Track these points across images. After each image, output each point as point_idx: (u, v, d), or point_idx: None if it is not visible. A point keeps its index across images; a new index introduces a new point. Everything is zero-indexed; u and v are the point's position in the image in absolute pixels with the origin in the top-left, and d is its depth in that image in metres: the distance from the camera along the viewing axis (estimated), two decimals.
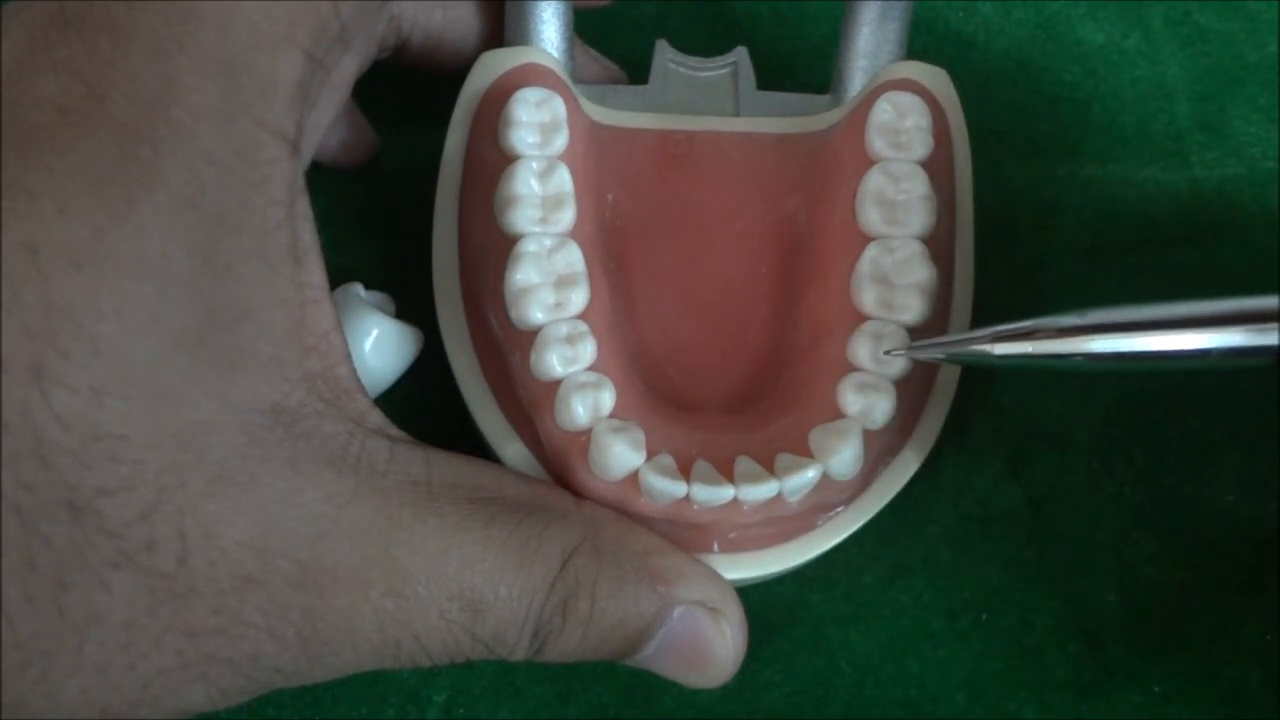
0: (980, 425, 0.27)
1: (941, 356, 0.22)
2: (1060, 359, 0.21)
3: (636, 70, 0.28)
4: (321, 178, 0.28)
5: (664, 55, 0.28)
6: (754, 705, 0.25)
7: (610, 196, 0.25)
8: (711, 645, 0.22)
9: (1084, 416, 0.27)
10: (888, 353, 0.23)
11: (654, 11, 0.31)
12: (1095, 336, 0.20)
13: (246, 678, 0.19)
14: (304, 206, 0.20)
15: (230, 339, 0.18)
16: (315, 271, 0.20)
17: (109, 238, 0.17)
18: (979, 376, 0.26)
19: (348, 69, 0.25)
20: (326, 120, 0.25)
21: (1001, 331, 0.21)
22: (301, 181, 0.20)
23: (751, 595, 0.23)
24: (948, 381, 0.25)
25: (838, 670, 0.25)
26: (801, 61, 0.31)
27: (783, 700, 0.25)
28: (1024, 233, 0.29)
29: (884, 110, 0.25)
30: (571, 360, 0.22)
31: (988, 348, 0.21)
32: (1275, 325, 0.20)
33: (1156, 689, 0.25)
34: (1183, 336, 0.20)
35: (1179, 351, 0.20)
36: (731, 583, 0.23)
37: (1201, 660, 0.25)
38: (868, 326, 0.23)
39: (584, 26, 0.29)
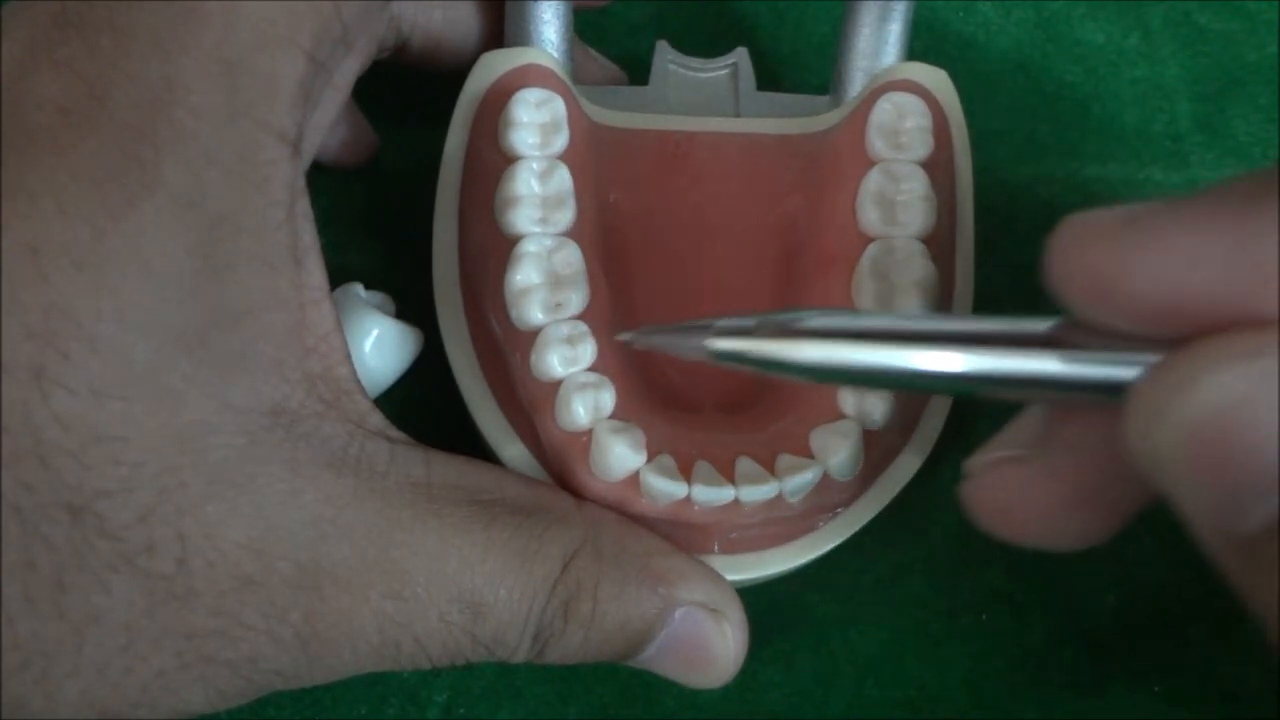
0: (981, 425, 0.27)
1: (655, 345, 0.20)
2: (778, 366, 0.17)
3: (636, 70, 0.29)
4: (321, 178, 0.28)
5: (664, 56, 0.28)
6: (754, 705, 0.25)
7: (611, 197, 0.25)
8: (713, 646, 0.22)
9: None
10: (617, 339, 0.21)
11: (654, 11, 0.31)
12: (812, 342, 0.17)
13: (245, 679, 0.19)
14: (304, 207, 0.20)
15: (230, 340, 0.18)
16: (315, 272, 0.20)
17: (109, 238, 0.17)
18: None
19: (349, 70, 0.25)
20: (327, 121, 0.25)
21: (726, 326, 0.18)
22: (302, 182, 0.20)
23: (752, 596, 0.23)
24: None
25: (838, 670, 0.25)
26: (801, 62, 0.31)
27: (783, 700, 0.25)
28: (1024, 233, 0.29)
29: (884, 111, 0.25)
30: (572, 361, 0.22)
31: (709, 343, 0.18)
32: (1042, 351, 0.16)
33: (1156, 689, 0.25)
34: (922, 354, 0.17)
35: (919, 372, 0.17)
36: (732, 584, 0.23)
37: (1201, 660, 0.25)
38: None
39: (584, 26, 0.29)
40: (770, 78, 0.27)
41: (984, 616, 0.25)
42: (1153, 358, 0.15)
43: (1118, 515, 0.17)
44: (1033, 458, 0.17)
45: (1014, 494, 0.17)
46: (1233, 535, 0.14)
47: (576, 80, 0.26)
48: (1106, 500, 0.17)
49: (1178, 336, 0.15)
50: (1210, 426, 0.14)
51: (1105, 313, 0.15)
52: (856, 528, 0.24)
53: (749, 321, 0.18)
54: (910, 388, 0.19)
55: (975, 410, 0.27)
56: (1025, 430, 0.18)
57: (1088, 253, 0.15)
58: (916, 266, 0.23)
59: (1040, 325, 0.16)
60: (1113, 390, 0.16)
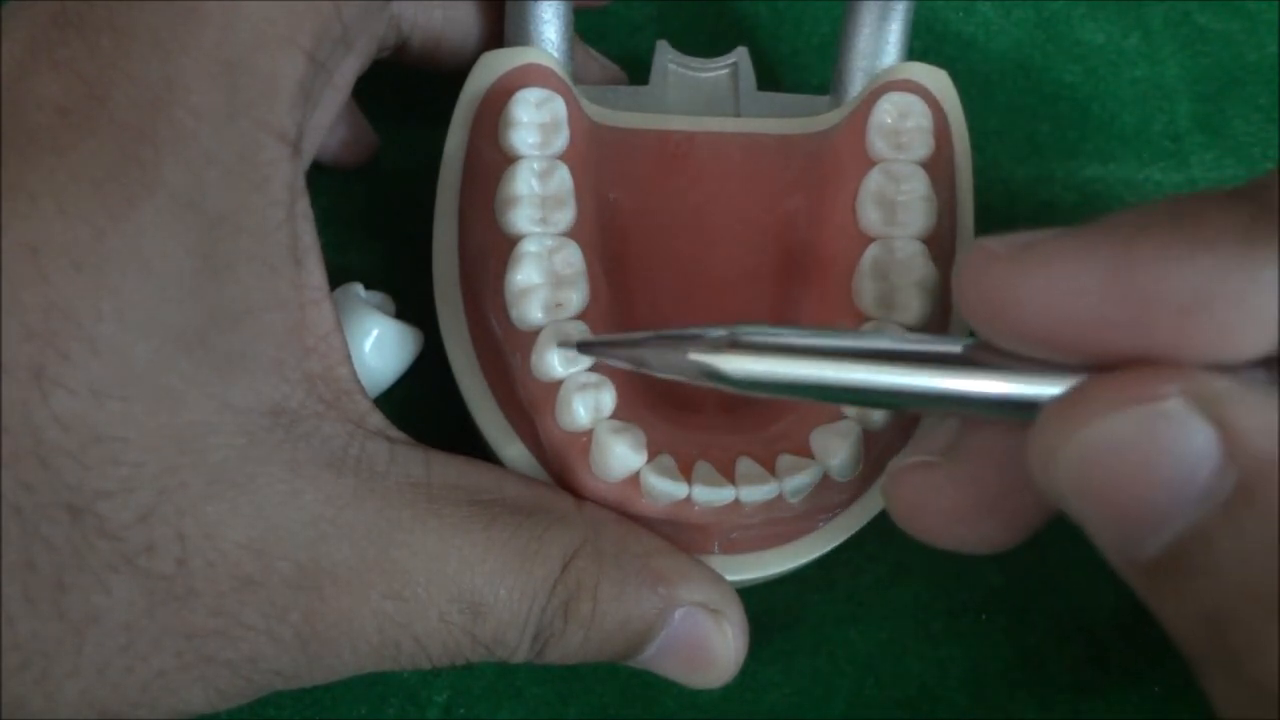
0: None
1: (600, 356, 0.20)
2: (706, 377, 0.18)
3: (636, 70, 0.28)
4: (321, 178, 0.28)
5: (664, 56, 0.28)
6: (754, 705, 0.25)
7: (611, 196, 0.25)
8: (713, 646, 0.22)
9: None
10: (564, 345, 0.21)
11: (654, 11, 0.31)
12: (736, 356, 0.18)
13: (245, 679, 0.19)
14: (304, 207, 0.20)
15: (230, 340, 0.18)
16: (315, 272, 0.20)
17: (109, 239, 0.17)
18: None
19: (349, 70, 0.25)
20: (327, 121, 0.25)
21: (660, 336, 0.19)
22: (302, 182, 0.20)
23: (752, 596, 0.23)
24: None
25: (838, 670, 0.25)
26: (801, 62, 0.31)
27: (783, 700, 0.25)
28: None
29: (885, 111, 0.25)
30: (573, 361, 0.22)
31: (645, 355, 0.19)
32: (953, 370, 0.17)
33: (1156, 689, 0.25)
34: (840, 371, 0.17)
35: (838, 385, 0.17)
36: (732, 584, 0.23)
37: None
38: (868, 327, 0.23)
39: (584, 26, 0.29)
40: (770, 78, 0.27)
41: (984, 616, 0.25)
42: (1056, 382, 0.16)
43: (1022, 524, 0.18)
44: (944, 463, 0.18)
45: (923, 497, 0.18)
46: (1135, 563, 0.15)
47: (577, 80, 0.26)
48: (1009, 509, 0.18)
49: (1079, 363, 0.16)
50: (1099, 469, 0.15)
51: (1000, 337, 0.16)
52: (856, 528, 0.24)
53: (681, 332, 0.19)
54: (827, 400, 0.19)
55: None
56: (942, 437, 0.19)
57: (983, 276, 0.16)
58: (917, 267, 0.23)
59: (955, 346, 0.17)
60: (1016, 409, 0.16)
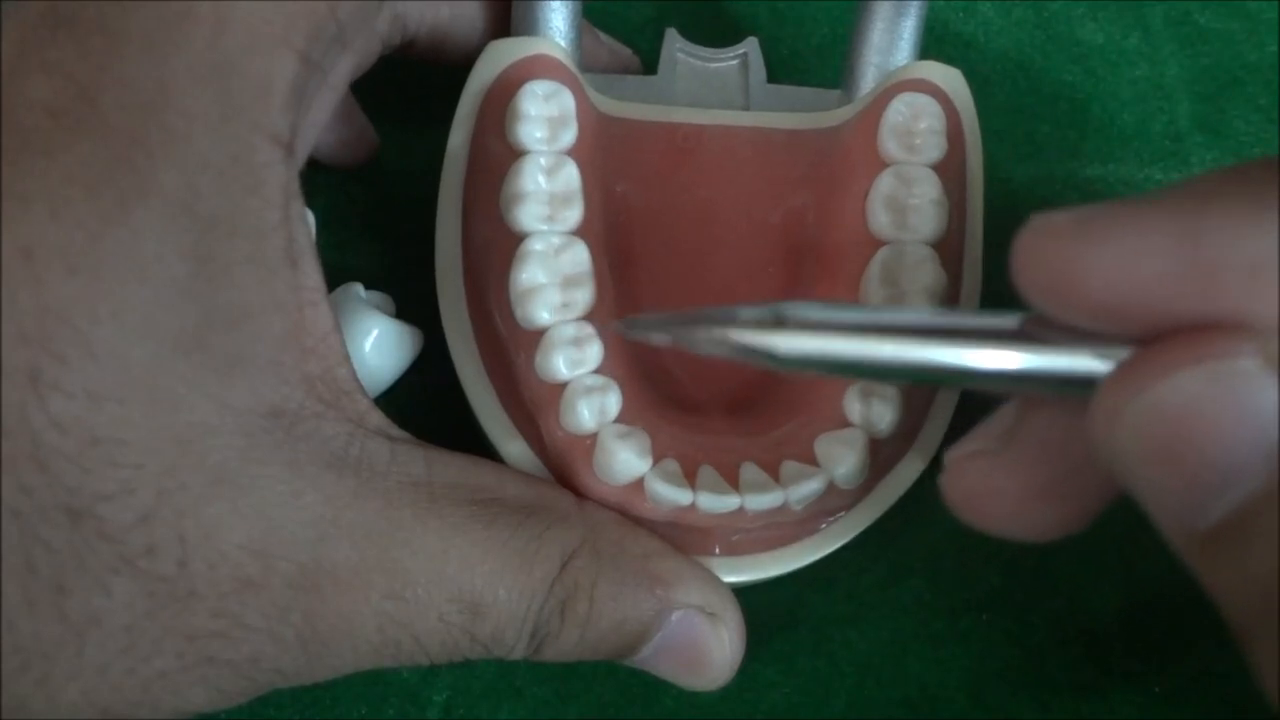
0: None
1: (646, 337, 0.20)
2: (754, 355, 0.18)
3: (643, 67, 0.28)
4: (321, 177, 0.28)
5: (673, 45, 0.27)
6: (754, 705, 0.25)
7: (617, 189, 0.25)
8: (709, 649, 0.22)
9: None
10: (606, 326, 0.21)
11: (654, 11, 0.31)
12: (785, 334, 0.17)
13: (246, 679, 0.19)
14: (299, 209, 0.20)
15: (228, 342, 0.18)
16: (312, 274, 0.20)
17: (103, 242, 0.17)
18: None
19: (345, 69, 0.25)
20: (322, 121, 0.25)
21: (709, 314, 0.18)
22: (296, 184, 0.20)
23: (751, 596, 0.23)
24: (952, 388, 0.25)
25: (838, 670, 0.25)
26: (801, 63, 0.31)
27: (783, 700, 0.25)
28: None
29: (898, 111, 0.24)
30: (578, 363, 0.22)
31: (697, 334, 0.18)
32: (1001, 344, 0.17)
33: (1156, 689, 0.25)
34: (895, 347, 0.17)
35: (893, 363, 0.17)
36: (732, 585, 0.23)
37: (1201, 660, 0.25)
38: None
39: (589, 20, 0.28)
40: (770, 78, 0.27)
41: (984, 616, 0.25)
42: (1115, 355, 0.16)
43: (1084, 508, 0.18)
44: (1002, 450, 0.18)
45: (983, 484, 0.18)
46: (1194, 532, 0.15)
47: (586, 68, 0.26)
48: (1071, 493, 0.18)
49: (1139, 334, 0.15)
50: (1167, 428, 0.14)
51: (1063, 310, 0.16)
52: (858, 531, 0.24)
53: (736, 313, 0.18)
54: (877, 378, 0.19)
55: (976, 410, 0.27)
56: (1000, 424, 0.18)
57: (1045, 251, 0.15)
58: (926, 273, 0.23)
59: (1011, 320, 0.17)
60: (1076, 385, 0.16)
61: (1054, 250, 0.15)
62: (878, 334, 0.17)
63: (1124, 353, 0.16)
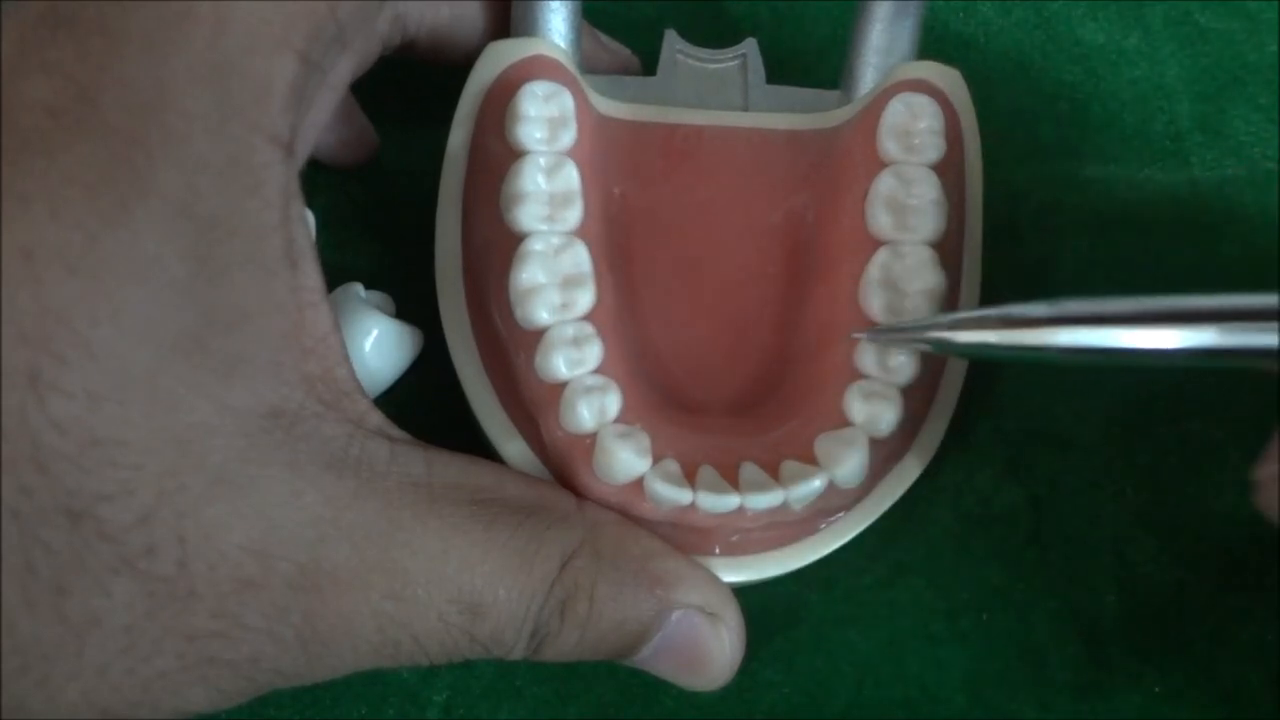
0: (981, 425, 0.27)
1: (904, 343, 0.22)
2: (1027, 350, 0.19)
3: (640, 70, 0.28)
4: (321, 177, 0.28)
5: (672, 46, 0.27)
6: (754, 705, 0.25)
7: (617, 190, 0.25)
8: (708, 649, 0.22)
9: (1085, 416, 0.27)
10: (855, 337, 0.22)
11: (654, 12, 0.31)
12: (1064, 329, 0.19)
13: (246, 679, 0.19)
14: (299, 209, 0.20)
15: (227, 343, 0.18)
16: (311, 274, 0.20)
17: (103, 243, 0.17)
18: (981, 377, 0.26)
19: (345, 69, 0.25)
20: (322, 122, 0.25)
21: (965, 319, 0.20)
22: (296, 185, 0.20)
23: (751, 595, 0.23)
24: (951, 388, 0.25)
25: (838, 670, 0.25)
26: (801, 63, 0.31)
27: (783, 700, 0.25)
28: (1025, 233, 0.29)
29: (897, 111, 0.24)
30: (578, 363, 0.22)
31: (948, 335, 0.20)
32: (1264, 325, 0.18)
33: (1156, 689, 0.25)
34: (1159, 333, 0.19)
35: (1155, 350, 0.19)
36: (731, 585, 0.23)
37: (1201, 660, 0.25)
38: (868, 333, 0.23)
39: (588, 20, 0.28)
40: (769, 79, 0.27)
41: (984, 616, 0.25)
42: None
43: None
44: None
45: None
46: None
47: (585, 68, 0.26)
48: None
49: None
50: None
51: None
52: (857, 531, 0.24)
53: (992, 313, 0.20)
54: (1161, 364, 0.20)
55: (976, 410, 0.27)
56: None
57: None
58: (926, 275, 0.23)
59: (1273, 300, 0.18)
60: None
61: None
62: (1155, 322, 0.19)
63: None
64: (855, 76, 0.26)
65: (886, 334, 0.22)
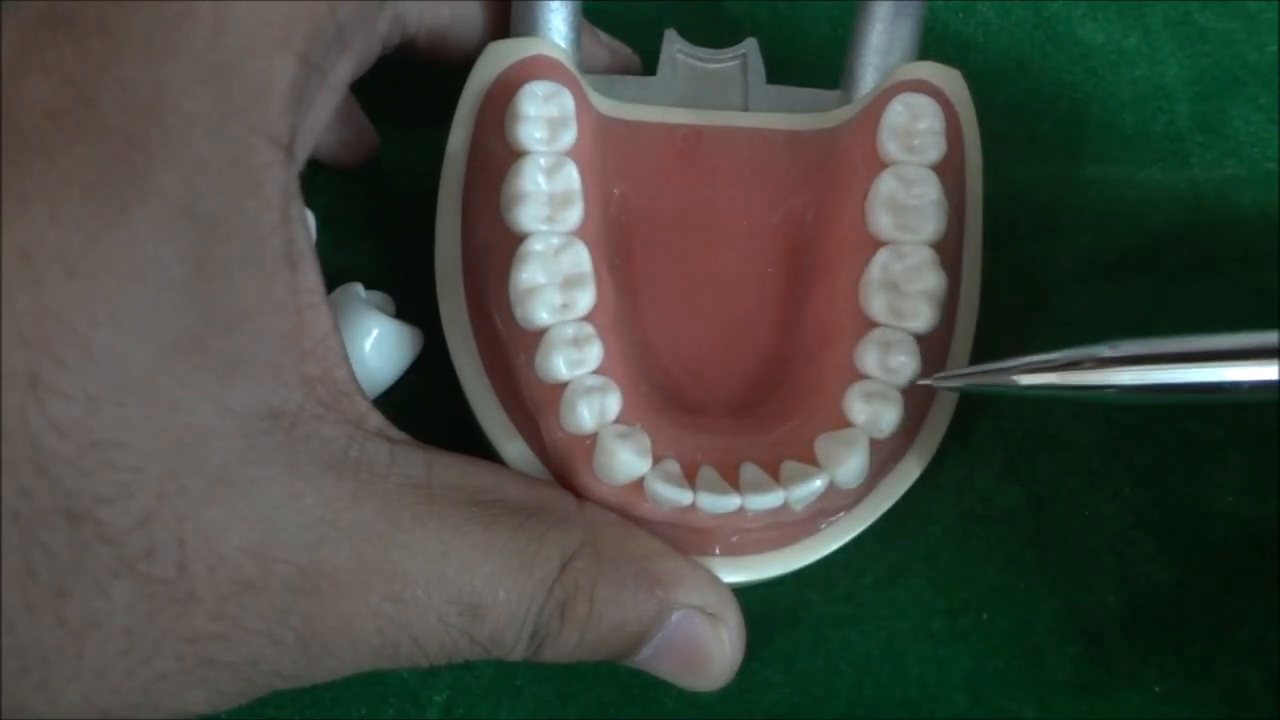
0: (981, 425, 0.27)
1: (962, 386, 0.22)
2: (1088, 390, 0.20)
3: (640, 69, 0.28)
4: (321, 177, 0.28)
5: (672, 45, 0.27)
6: (754, 705, 0.25)
7: (617, 191, 0.25)
8: (709, 650, 0.22)
9: (1085, 417, 0.27)
10: (917, 383, 0.23)
11: (654, 12, 0.31)
12: (1125, 369, 0.20)
13: (246, 681, 0.19)
14: (299, 210, 0.20)
15: (227, 344, 0.18)
16: (311, 276, 0.20)
17: (102, 244, 0.17)
18: None
19: (345, 70, 0.25)
20: (322, 122, 0.25)
21: (1030, 364, 0.21)
22: (296, 186, 0.20)
23: (751, 595, 0.23)
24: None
25: (838, 670, 0.25)
26: (801, 63, 0.31)
27: (783, 700, 0.25)
28: (1025, 233, 0.29)
29: (897, 112, 0.24)
30: (578, 363, 0.22)
31: (1015, 379, 0.21)
32: None
33: (1156, 689, 0.25)
34: (1216, 370, 0.20)
35: (1212, 384, 0.20)
36: (732, 585, 0.23)
37: (1201, 660, 0.25)
38: (876, 334, 0.23)
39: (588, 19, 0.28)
40: (769, 79, 0.27)
41: (984, 616, 0.25)
42: None
43: None
44: None
45: None
46: None
47: (586, 68, 0.26)
48: None
49: None
50: None
51: None
52: (858, 532, 0.24)
53: (1055, 358, 0.21)
54: (1215, 403, 0.22)
55: (976, 410, 0.27)
56: None
57: None
58: (926, 275, 0.23)
59: None
60: None
61: None
62: (1208, 360, 0.20)
63: None
64: (855, 77, 0.26)
65: (949, 378, 0.22)
